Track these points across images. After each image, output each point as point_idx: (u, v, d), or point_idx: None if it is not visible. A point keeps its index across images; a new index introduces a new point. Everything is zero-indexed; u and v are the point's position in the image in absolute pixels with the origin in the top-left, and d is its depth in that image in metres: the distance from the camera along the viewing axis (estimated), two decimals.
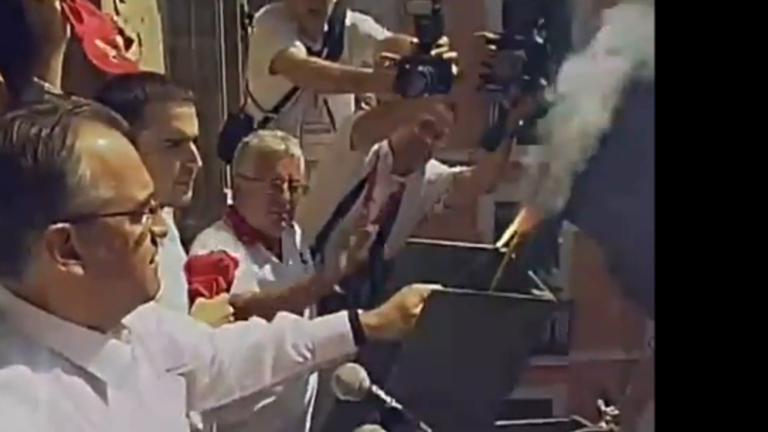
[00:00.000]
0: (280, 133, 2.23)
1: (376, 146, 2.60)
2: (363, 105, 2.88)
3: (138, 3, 2.62)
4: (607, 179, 1.68)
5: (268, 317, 1.56)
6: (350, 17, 2.80)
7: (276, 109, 2.77)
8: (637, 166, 1.52)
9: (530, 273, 1.90)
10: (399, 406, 1.36)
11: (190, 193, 1.64)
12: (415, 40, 2.14)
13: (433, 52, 2.10)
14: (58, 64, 1.53)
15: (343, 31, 2.77)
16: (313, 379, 2.16)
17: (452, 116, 2.63)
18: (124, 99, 1.48)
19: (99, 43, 1.60)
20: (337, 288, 2.55)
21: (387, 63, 2.15)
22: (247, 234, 2.12)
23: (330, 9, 2.73)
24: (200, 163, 1.61)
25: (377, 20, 2.87)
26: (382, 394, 1.37)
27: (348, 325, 1.51)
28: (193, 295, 1.79)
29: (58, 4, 1.51)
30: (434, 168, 2.78)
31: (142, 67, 1.85)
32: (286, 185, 2.11)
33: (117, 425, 0.99)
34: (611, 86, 1.58)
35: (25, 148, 0.91)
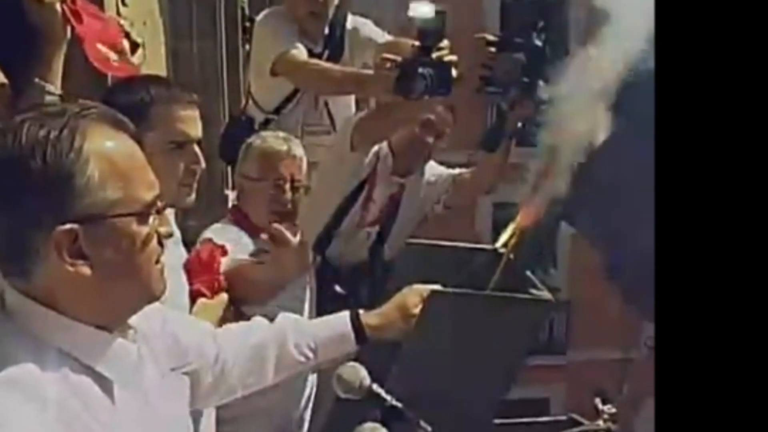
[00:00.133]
0: (282, 134, 2.24)
1: (376, 147, 2.61)
2: (361, 106, 2.89)
3: (140, 6, 2.62)
4: (606, 182, 1.69)
5: None
6: (351, 20, 2.80)
7: (277, 111, 2.77)
8: (635, 169, 1.53)
9: (528, 273, 1.90)
10: (399, 405, 1.37)
11: (193, 195, 1.64)
12: (416, 42, 2.14)
13: (434, 55, 2.11)
14: (59, 65, 1.53)
15: (343, 33, 2.78)
16: (313, 377, 2.16)
17: (452, 118, 2.64)
18: (129, 101, 1.49)
19: (101, 46, 1.61)
20: (337, 288, 2.56)
21: (388, 65, 2.15)
22: (250, 231, 2.13)
23: (331, 12, 2.73)
24: (204, 164, 1.62)
25: (377, 23, 2.88)
26: (382, 392, 1.38)
27: (349, 325, 1.52)
28: (194, 296, 1.80)
29: (58, 6, 1.51)
30: (433, 169, 2.79)
31: (145, 70, 1.86)
32: (288, 185, 2.11)
33: (124, 424, 0.99)
34: (610, 87, 1.58)
35: (34, 150, 0.92)
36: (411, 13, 2.10)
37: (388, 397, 1.38)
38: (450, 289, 1.67)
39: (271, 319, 1.54)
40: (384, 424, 1.31)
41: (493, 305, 1.74)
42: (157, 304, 1.08)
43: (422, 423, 1.36)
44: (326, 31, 2.75)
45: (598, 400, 2.49)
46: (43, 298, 0.96)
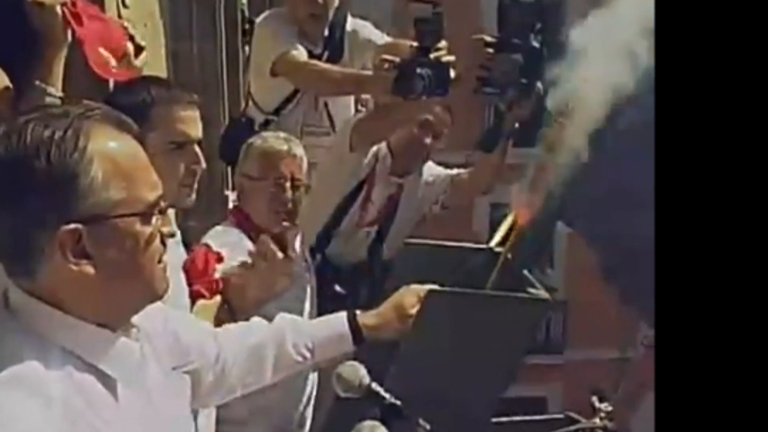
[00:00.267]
0: (282, 134, 2.24)
1: (374, 148, 2.61)
2: (360, 107, 2.89)
3: (141, 8, 2.62)
4: (604, 183, 1.69)
5: None
6: (351, 23, 2.80)
7: (277, 112, 2.78)
8: (633, 170, 1.53)
9: (526, 272, 1.91)
10: (398, 403, 1.37)
11: (193, 195, 1.65)
12: (414, 43, 2.15)
13: (432, 56, 2.11)
14: (59, 67, 1.53)
15: (343, 35, 2.78)
16: (313, 376, 2.16)
17: (449, 118, 2.64)
18: (131, 102, 1.49)
19: (102, 50, 1.61)
20: (336, 287, 2.56)
21: (386, 66, 2.16)
22: (252, 231, 2.13)
23: (331, 14, 2.73)
24: (204, 165, 1.62)
25: (376, 25, 2.88)
26: (381, 391, 1.38)
27: (347, 326, 1.53)
28: (194, 296, 1.81)
29: (59, 9, 1.51)
30: (432, 170, 2.79)
31: (145, 72, 1.85)
32: (288, 184, 2.11)
33: (127, 422, 1.00)
34: (608, 89, 1.59)
35: (39, 150, 0.92)
36: (410, 14, 2.10)
37: (387, 396, 1.38)
38: (448, 289, 1.67)
39: (270, 320, 1.54)
40: (383, 422, 1.32)
41: (491, 304, 1.75)
42: (158, 303, 1.08)
43: (421, 421, 1.36)
44: (326, 32, 2.75)
45: (594, 399, 2.49)
46: (47, 297, 0.96)
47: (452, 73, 2.14)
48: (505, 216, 1.99)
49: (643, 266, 1.35)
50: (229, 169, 3.28)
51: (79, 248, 0.94)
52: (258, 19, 2.92)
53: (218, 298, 1.83)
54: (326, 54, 2.74)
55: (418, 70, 2.11)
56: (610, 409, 2.40)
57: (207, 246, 1.99)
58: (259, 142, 2.17)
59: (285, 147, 2.13)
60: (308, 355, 1.49)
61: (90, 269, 0.95)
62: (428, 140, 2.63)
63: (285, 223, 2.13)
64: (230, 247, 1.98)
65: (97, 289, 0.96)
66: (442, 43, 2.14)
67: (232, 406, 1.61)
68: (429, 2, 2.12)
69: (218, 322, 1.73)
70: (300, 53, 2.59)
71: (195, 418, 1.52)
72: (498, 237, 1.78)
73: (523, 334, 1.86)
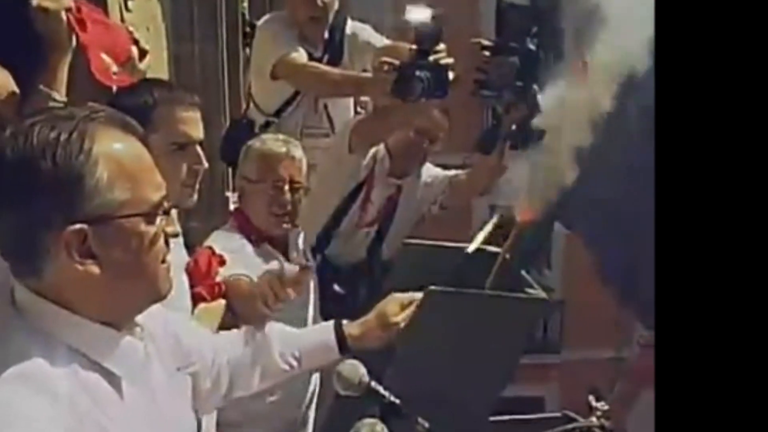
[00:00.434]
0: (282, 137, 2.25)
1: (373, 150, 2.62)
2: (359, 109, 2.89)
3: (143, 12, 2.63)
4: (602, 184, 1.69)
5: None
6: (350, 26, 2.81)
7: (277, 114, 2.78)
8: (631, 172, 1.53)
9: (523, 273, 1.91)
10: (397, 401, 1.38)
11: (195, 196, 1.65)
12: (413, 46, 2.15)
13: (431, 58, 2.12)
14: (63, 73, 1.54)
15: (343, 38, 2.78)
16: (316, 376, 2.16)
17: (447, 121, 2.65)
18: (133, 104, 1.50)
19: (104, 56, 1.61)
20: (336, 287, 2.57)
21: (386, 68, 2.16)
22: (253, 234, 2.13)
23: (331, 17, 2.74)
24: (206, 165, 1.63)
25: (375, 28, 2.89)
26: (381, 389, 1.39)
27: (333, 335, 1.54)
28: (196, 299, 1.81)
29: (63, 15, 1.52)
30: (430, 171, 2.80)
31: (148, 75, 1.86)
32: (287, 187, 2.11)
33: (133, 419, 1.00)
34: (607, 90, 1.59)
35: (45, 152, 0.92)
36: (409, 17, 2.11)
37: (387, 394, 1.38)
38: (447, 288, 1.67)
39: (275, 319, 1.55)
40: (383, 420, 1.32)
41: (490, 304, 1.75)
42: (158, 306, 1.09)
43: (420, 419, 1.37)
44: (326, 35, 2.76)
45: (591, 398, 2.49)
46: (53, 296, 0.97)
47: (451, 76, 2.15)
48: (485, 223, 1.99)
49: (642, 267, 1.35)
50: (230, 170, 3.29)
51: (84, 248, 0.95)
52: (259, 22, 2.92)
53: (220, 301, 1.83)
54: (326, 57, 2.75)
55: (417, 73, 2.11)
56: (606, 407, 2.40)
57: (210, 249, 1.99)
58: (257, 145, 2.17)
59: (283, 149, 2.13)
60: (295, 363, 1.51)
61: (95, 269, 0.96)
62: (425, 142, 2.64)
63: (285, 225, 2.14)
64: (233, 253, 1.98)
65: (102, 288, 0.97)
66: (441, 46, 2.15)
67: (234, 409, 1.61)
68: (427, 6, 2.13)
69: (223, 327, 1.74)
70: (300, 56, 2.60)
71: (199, 423, 1.53)
72: (480, 239, 1.78)
73: (521, 333, 1.87)
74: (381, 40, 2.77)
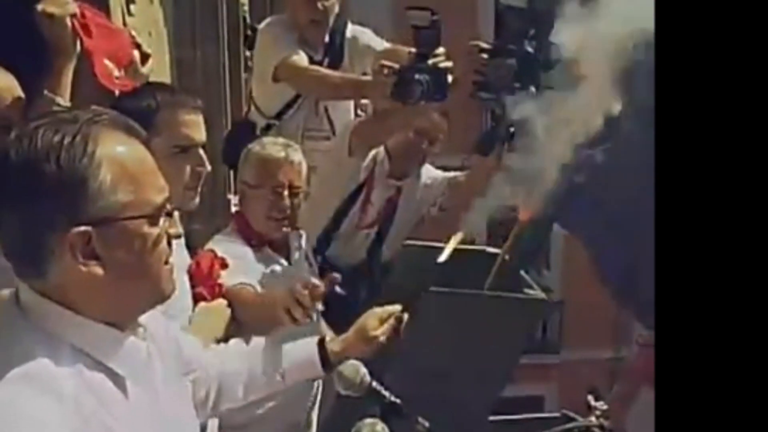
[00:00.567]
0: (281, 140, 2.24)
1: (373, 152, 2.62)
2: (359, 112, 2.90)
3: (145, 16, 2.64)
4: (600, 186, 1.69)
5: None
6: (351, 29, 2.81)
7: (278, 116, 2.78)
8: (631, 174, 1.53)
9: (522, 273, 1.91)
10: (398, 401, 1.38)
11: (197, 198, 1.66)
12: (413, 49, 2.16)
13: (430, 62, 2.12)
14: (68, 78, 1.54)
15: (343, 42, 2.79)
16: (318, 381, 2.15)
17: (446, 123, 2.65)
18: (137, 108, 1.50)
19: (107, 61, 1.62)
20: (337, 288, 2.57)
21: (386, 71, 2.17)
22: (253, 238, 2.12)
23: (331, 20, 2.74)
24: (209, 167, 1.64)
25: (375, 31, 2.89)
26: (381, 389, 1.39)
27: (316, 352, 1.54)
28: (197, 299, 1.81)
29: (68, 21, 1.52)
30: (429, 172, 2.80)
31: (150, 78, 1.87)
32: (286, 192, 2.10)
33: (137, 419, 1.00)
34: (606, 91, 1.59)
35: (49, 154, 0.93)
36: (409, 21, 2.11)
37: (387, 394, 1.39)
38: (446, 289, 1.68)
39: None
40: (383, 419, 1.32)
41: (489, 305, 1.76)
42: (158, 311, 1.09)
43: (420, 419, 1.37)
44: (326, 39, 2.76)
45: (590, 397, 2.49)
46: (57, 297, 0.97)
47: (450, 79, 2.15)
48: (450, 237, 1.98)
49: (641, 267, 1.35)
50: (232, 172, 3.29)
51: (88, 249, 0.95)
52: (260, 26, 2.93)
53: (221, 300, 1.83)
54: (327, 60, 2.75)
55: (417, 76, 2.12)
56: (605, 407, 2.40)
57: (213, 252, 1.99)
58: (257, 149, 2.16)
59: (282, 154, 2.11)
60: (278, 378, 1.51)
61: (99, 270, 0.96)
62: (425, 143, 2.64)
63: (284, 229, 2.13)
64: (235, 259, 1.98)
65: (106, 289, 0.97)
66: (440, 50, 2.15)
67: (236, 413, 1.61)
68: (427, 9, 2.13)
69: (227, 335, 1.75)
70: (301, 59, 2.61)
71: (204, 426, 1.54)
72: (447, 252, 1.77)
73: (521, 334, 1.87)
74: (381, 44, 2.77)
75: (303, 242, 2.30)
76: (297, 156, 2.14)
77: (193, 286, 1.83)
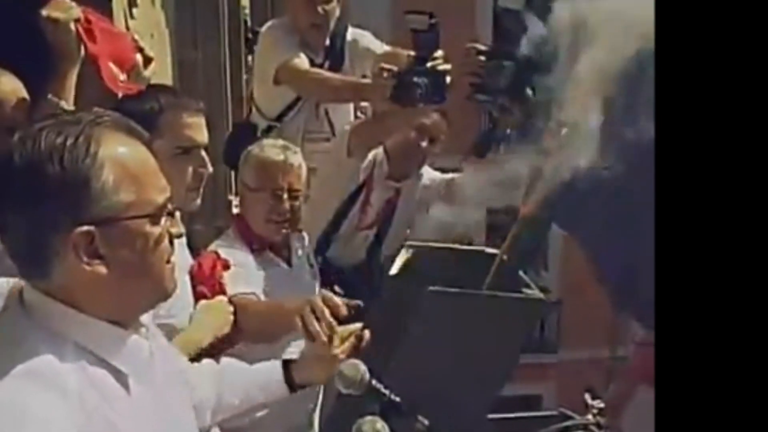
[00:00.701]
0: (281, 143, 2.23)
1: (372, 153, 2.63)
2: (359, 114, 2.90)
3: (147, 19, 2.64)
4: (598, 187, 1.69)
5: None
6: (351, 33, 2.82)
7: (279, 118, 2.78)
8: (629, 175, 1.53)
9: (521, 274, 1.92)
10: (398, 399, 1.38)
11: (199, 199, 1.67)
12: (412, 53, 2.16)
13: (429, 64, 2.13)
14: (72, 82, 1.55)
15: (344, 45, 2.79)
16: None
17: (445, 125, 2.66)
18: (140, 110, 1.51)
19: (112, 65, 1.62)
20: (337, 288, 2.57)
21: (385, 74, 2.17)
22: (254, 241, 2.12)
23: (332, 24, 2.75)
24: (211, 169, 1.64)
25: (374, 34, 2.90)
26: (381, 388, 1.39)
27: (281, 374, 1.50)
28: (198, 297, 1.82)
29: (73, 25, 1.53)
30: (428, 174, 2.81)
31: (152, 80, 1.87)
32: (286, 195, 2.09)
33: (140, 416, 1.01)
34: (604, 92, 1.59)
35: (52, 155, 0.93)
36: (408, 24, 2.12)
37: (387, 393, 1.39)
38: (446, 289, 1.68)
39: None
40: (383, 417, 1.33)
41: (488, 304, 1.76)
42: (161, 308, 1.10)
43: (420, 417, 1.37)
44: (327, 42, 2.77)
45: (587, 396, 2.50)
46: (61, 296, 0.98)
47: (448, 81, 2.16)
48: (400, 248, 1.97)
49: (641, 267, 1.35)
50: (233, 173, 3.30)
51: (91, 249, 0.96)
52: (262, 29, 2.93)
53: (221, 297, 1.84)
54: (327, 63, 2.75)
55: (416, 79, 2.12)
56: (602, 405, 2.41)
57: (215, 253, 1.99)
58: (256, 151, 2.15)
59: (281, 157, 2.11)
60: (244, 399, 1.48)
61: (102, 269, 0.96)
62: (424, 144, 2.65)
63: (284, 231, 2.13)
64: (236, 266, 1.97)
65: (109, 287, 0.98)
66: (439, 53, 2.16)
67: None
68: (425, 13, 2.14)
69: (227, 336, 1.75)
70: (302, 61, 2.61)
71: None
72: (398, 264, 1.77)
73: (519, 333, 1.87)
74: (381, 47, 2.78)
75: (305, 244, 2.30)
76: (296, 159, 2.14)
77: (194, 286, 1.83)
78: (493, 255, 1.91)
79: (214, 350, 1.78)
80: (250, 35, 4.19)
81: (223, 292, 1.87)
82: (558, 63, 1.83)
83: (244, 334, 1.86)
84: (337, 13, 2.75)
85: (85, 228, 0.94)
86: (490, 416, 2.06)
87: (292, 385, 1.49)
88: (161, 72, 2.82)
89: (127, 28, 2.35)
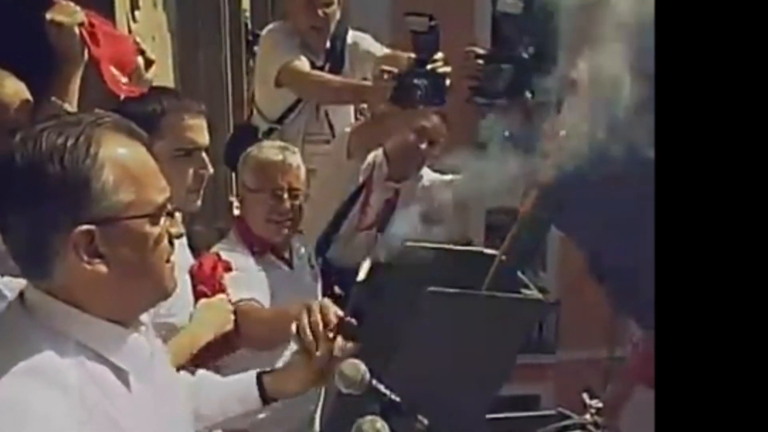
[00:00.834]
0: (279, 144, 2.23)
1: (371, 155, 2.63)
2: (358, 116, 2.90)
3: (149, 22, 2.64)
4: (597, 188, 1.69)
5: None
6: (351, 35, 2.82)
7: (280, 120, 2.78)
8: (628, 175, 1.53)
9: (519, 274, 1.91)
10: (398, 399, 1.38)
11: (200, 201, 1.67)
12: (412, 55, 2.17)
13: (429, 66, 2.13)
14: (75, 85, 1.55)
15: (344, 47, 2.79)
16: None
17: (444, 127, 2.66)
18: (142, 112, 1.52)
19: (113, 69, 1.63)
20: (337, 289, 2.57)
21: (386, 76, 2.17)
22: (255, 243, 2.11)
23: (332, 27, 2.75)
24: (211, 170, 1.65)
25: (373, 36, 2.90)
26: (381, 388, 1.39)
27: (255, 386, 1.47)
28: (198, 296, 1.82)
29: (76, 29, 1.53)
30: (428, 175, 2.81)
31: (154, 82, 1.87)
32: (286, 195, 2.08)
33: (141, 412, 1.01)
34: (602, 93, 1.60)
35: (53, 156, 0.94)
36: (408, 27, 2.12)
37: (387, 393, 1.39)
38: (445, 289, 1.68)
39: None
40: (383, 417, 1.32)
41: (487, 305, 1.76)
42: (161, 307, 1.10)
43: (419, 417, 1.37)
44: (328, 44, 2.77)
45: (585, 396, 2.50)
46: (62, 295, 0.98)
47: (448, 83, 2.16)
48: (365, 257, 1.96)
49: (640, 267, 1.34)
50: (234, 174, 3.30)
51: (92, 248, 0.96)
52: (263, 32, 2.93)
53: (221, 296, 1.84)
54: (328, 65, 2.75)
55: (416, 81, 2.12)
56: (600, 405, 2.41)
57: (217, 254, 1.99)
58: (255, 153, 2.14)
59: (280, 157, 2.10)
60: (218, 411, 1.44)
61: (103, 268, 0.97)
62: (423, 146, 2.65)
63: (285, 231, 2.12)
64: (238, 271, 1.97)
65: (110, 286, 0.98)
66: (439, 55, 2.16)
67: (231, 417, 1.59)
68: (425, 15, 2.14)
69: (230, 346, 1.74)
70: (303, 64, 2.61)
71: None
72: (364, 271, 1.77)
73: (518, 333, 1.87)
74: (381, 49, 2.78)
75: (305, 246, 2.30)
76: (295, 159, 2.13)
77: (194, 286, 1.83)
78: (492, 256, 1.91)
79: (213, 351, 1.78)
80: (251, 38, 4.20)
81: (223, 292, 1.87)
82: (556, 66, 1.83)
83: (248, 341, 1.85)
84: (338, 15, 2.75)
85: (86, 227, 0.95)
86: (489, 416, 2.06)
87: (265, 397, 1.46)
88: (163, 74, 2.83)
89: (130, 30, 2.35)
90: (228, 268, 1.94)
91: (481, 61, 2.40)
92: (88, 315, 0.98)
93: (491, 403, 1.95)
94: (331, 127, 2.81)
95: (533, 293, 1.82)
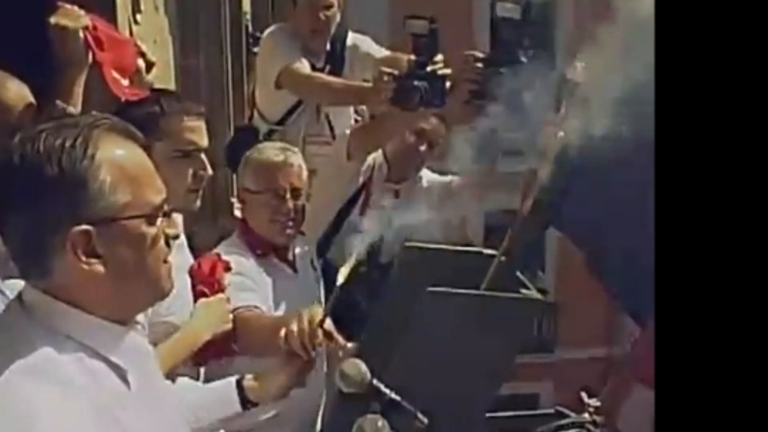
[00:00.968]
0: (279, 144, 2.22)
1: (371, 156, 2.63)
2: (358, 117, 2.90)
3: (151, 25, 2.64)
4: (596, 187, 1.70)
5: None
6: (351, 38, 2.81)
7: (281, 122, 2.78)
8: (626, 174, 1.53)
9: (518, 274, 1.91)
10: (398, 398, 1.38)
11: (199, 201, 1.67)
12: (412, 57, 2.17)
13: (429, 69, 2.13)
14: (80, 88, 1.56)
15: (344, 50, 2.79)
16: (322, 383, 2.14)
17: (444, 128, 2.66)
18: (143, 113, 1.52)
19: (114, 72, 1.63)
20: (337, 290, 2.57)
21: (386, 78, 2.17)
22: (258, 246, 2.09)
23: (333, 29, 2.75)
24: (211, 171, 1.65)
25: (374, 39, 2.90)
26: (382, 387, 1.39)
27: (235, 392, 1.48)
28: (197, 295, 1.82)
29: (81, 33, 1.53)
30: (427, 176, 2.81)
31: (155, 85, 1.88)
32: (288, 195, 2.08)
33: (141, 409, 1.01)
34: (601, 94, 1.60)
35: (51, 157, 0.94)
36: (408, 29, 2.12)
37: (388, 391, 1.39)
38: (445, 289, 1.68)
39: None
40: (384, 416, 1.32)
41: (486, 304, 1.75)
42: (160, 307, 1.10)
43: (419, 416, 1.37)
44: (328, 47, 2.77)
45: (584, 394, 2.49)
46: (61, 295, 0.98)
47: (448, 85, 2.16)
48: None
49: (639, 266, 1.34)
50: (234, 176, 3.30)
51: (89, 248, 0.96)
52: (264, 34, 2.93)
53: (220, 295, 1.84)
54: (328, 67, 2.75)
55: (416, 83, 2.12)
56: (598, 404, 2.41)
57: (217, 255, 1.98)
58: (255, 155, 2.13)
59: (281, 157, 2.09)
60: (200, 417, 1.45)
61: (100, 268, 0.97)
62: (423, 148, 2.65)
63: (288, 231, 2.11)
64: (240, 275, 1.96)
65: (107, 286, 0.98)
66: (438, 57, 2.16)
67: (236, 418, 1.58)
68: (425, 18, 2.14)
69: (229, 347, 1.74)
70: (303, 66, 2.61)
71: None
72: (345, 273, 1.77)
73: (517, 333, 1.87)
74: (381, 52, 2.78)
75: (307, 247, 2.29)
76: (296, 159, 2.13)
77: (194, 285, 1.83)
78: (491, 256, 1.91)
79: (213, 351, 1.78)
80: (251, 40, 4.20)
81: (223, 292, 1.87)
82: (555, 68, 1.83)
83: (249, 349, 1.85)
84: (338, 18, 2.75)
85: (83, 227, 0.95)
86: (488, 415, 2.05)
87: (245, 402, 1.47)
88: (164, 77, 2.83)
89: (131, 33, 2.35)
90: (227, 268, 1.94)
91: (480, 65, 2.40)
92: (86, 314, 0.98)
93: (490, 402, 1.95)
94: (331, 128, 2.81)
95: (532, 293, 1.82)
